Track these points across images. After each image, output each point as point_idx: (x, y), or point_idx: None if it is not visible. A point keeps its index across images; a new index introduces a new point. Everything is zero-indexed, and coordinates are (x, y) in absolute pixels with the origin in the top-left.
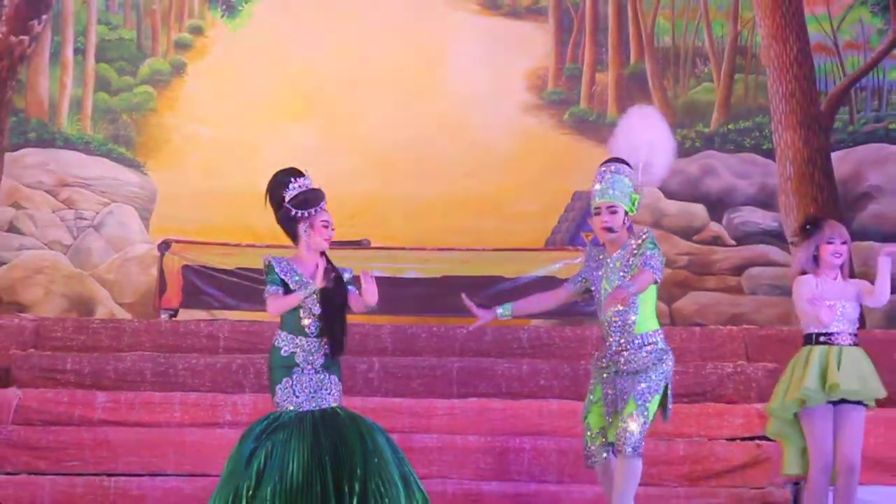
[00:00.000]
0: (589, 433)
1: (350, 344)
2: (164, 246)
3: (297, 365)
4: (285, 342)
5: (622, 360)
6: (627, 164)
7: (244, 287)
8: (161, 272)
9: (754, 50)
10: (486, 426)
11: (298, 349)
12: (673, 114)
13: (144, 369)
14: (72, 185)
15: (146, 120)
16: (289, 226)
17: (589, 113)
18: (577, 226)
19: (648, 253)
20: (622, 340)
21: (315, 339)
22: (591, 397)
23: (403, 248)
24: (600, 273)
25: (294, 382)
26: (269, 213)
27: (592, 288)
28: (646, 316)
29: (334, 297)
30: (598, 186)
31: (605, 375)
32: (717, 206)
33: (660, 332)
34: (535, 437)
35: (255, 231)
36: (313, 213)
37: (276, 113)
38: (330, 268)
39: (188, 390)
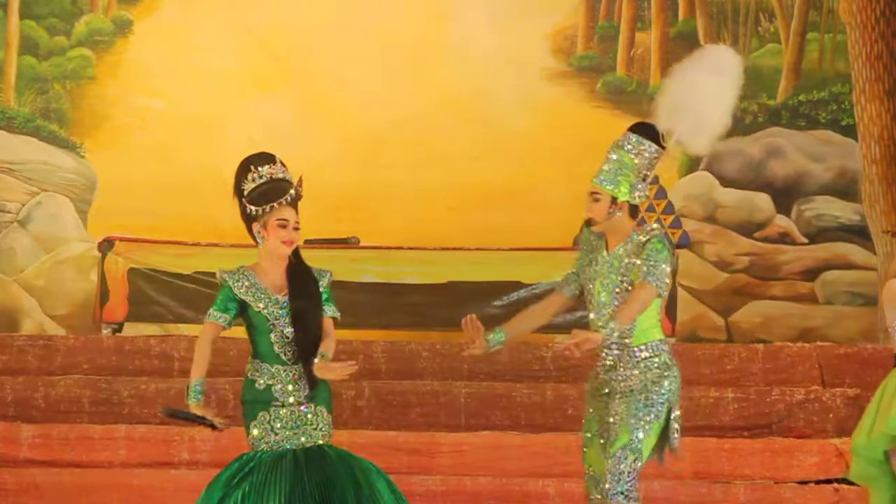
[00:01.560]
0: (587, 475)
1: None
2: (107, 245)
3: (276, 399)
4: (259, 372)
5: (618, 377)
6: (652, 132)
7: (204, 295)
8: (102, 277)
9: (832, 3)
10: (502, 465)
11: (275, 381)
12: None
13: (81, 397)
14: None
15: (83, 90)
16: (246, 224)
17: (627, 81)
18: None
19: (653, 259)
20: (618, 354)
21: (292, 367)
22: (588, 431)
23: (400, 248)
24: (595, 269)
25: (272, 417)
26: (233, 205)
27: (585, 287)
28: (647, 324)
29: (308, 314)
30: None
31: (598, 401)
32: (785, 195)
33: (664, 343)
34: (561, 480)
35: (217, 227)
36: (267, 210)
37: (242, 82)
38: (299, 275)
39: (135, 422)
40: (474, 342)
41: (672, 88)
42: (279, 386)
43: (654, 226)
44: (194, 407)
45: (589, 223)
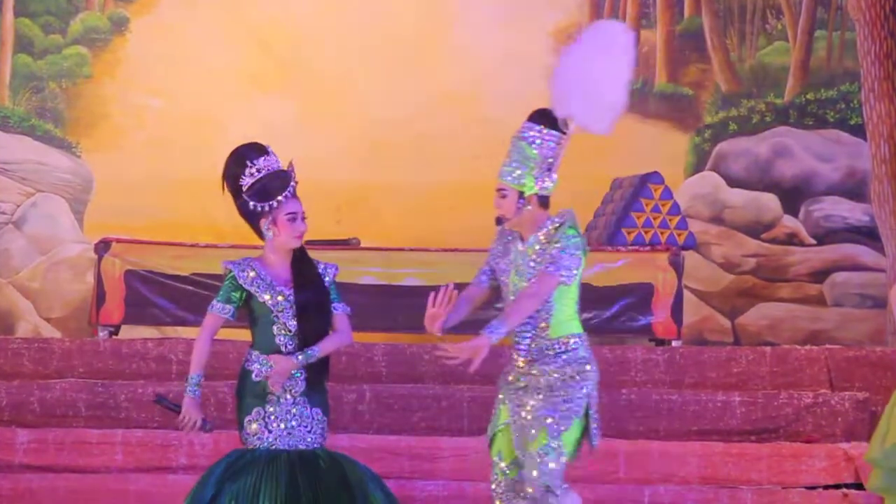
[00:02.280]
0: (498, 467)
1: (334, 368)
2: (103, 246)
3: (272, 393)
4: (258, 364)
5: (534, 371)
6: (550, 119)
7: (202, 297)
8: (98, 279)
9: (840, 0)
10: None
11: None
12: (738, 81)
13: (77, 400)
14: None
15: (79, 89)
16: (250, 220)
17: (632, 80)
18: (618, 220)
19: (560, 245)
20: (534, 347)
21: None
22: (496, 419)
23: (401, 249)
24: (509, 260)
25: (267, 414)
26: (232, 206)
27: (500, 280)
28: (564, 316)
29: (313, 307)
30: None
31: (513, 392)
32: (793, 195)
33: (581, 337)
34: None
35: (216, 228)
36: (274, 205)
37: (242, 81)
38: (305, 267)
39: (133, 427)
40: (439, 318)
41: (563, 70)
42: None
43: (566, 210)
44: (189, 401)
45: (499, 220)
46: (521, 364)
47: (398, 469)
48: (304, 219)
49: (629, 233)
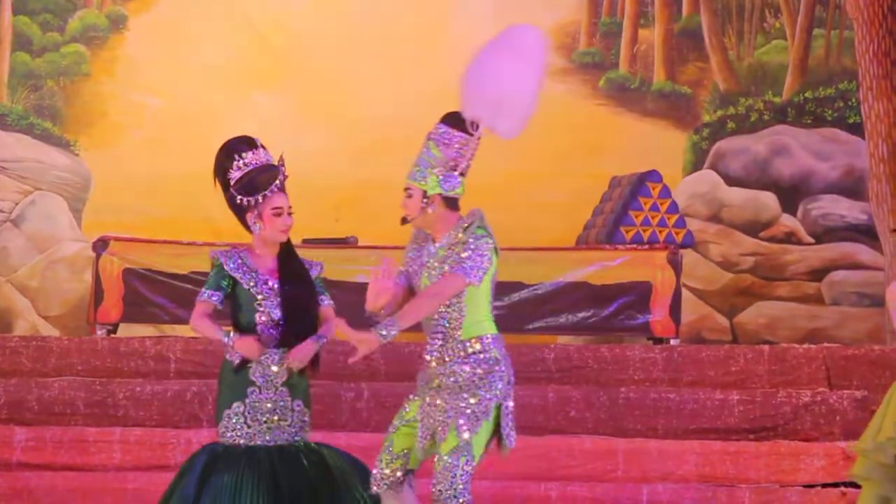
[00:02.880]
0: (387, 454)
1: (333, 366)
2: (101, 245)
3: (253, 383)
4: (239, 357)
5: (445, 371)
6: (458, 121)
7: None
8: (96, 277)
9: None
10: (503, 468)
11: (254, 362)
12: (736, 79)
13: (76, 399)
14: None
15: (77, 87)
16: (238, 214)
17: (630, 78)
18: (616, 219)
19: (468, 246)
20: (446, 348)
21: (276, 351)
22: (404, 414)
23: (399, 248)
24: (421, 262)
25: (247, 408)
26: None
27: (413, 283)
28: (477, 316)
29: (299, 298)
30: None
31: (426, 392)
32: (791, 194)
33: (495, 337)
34: (563, 483)
35: (214, 226)
36: (260, 199)
37: (239, 79)
38: (291, 261)
39: (131, 425)
40: (386, 291)
41: (473, 72)
42: (259, 370)
43: (476, 210)
44: (241, 342)
45: (404, 220)
46: (433, 365)
47: None
48: (290, 213)
49: (627, 231)
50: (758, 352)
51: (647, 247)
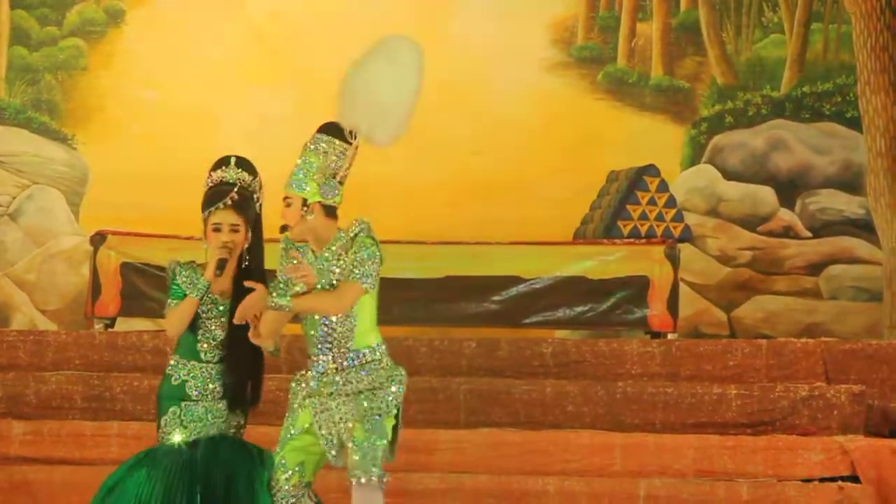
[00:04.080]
0: (284, 473)
1: None
2: (99, 239)
3: (188, 396)
4: (176, 368)
5: (339, 380)
6: (337, 130)
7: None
8: (94, 272)
9: None
10: (501, 463)
11: (190, 378)
12: (734, 73)
13: (73, 393)
14: None
15: (75, 81)
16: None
17: (628, 73)
18: (614, 213)
19: (361, 254)
20: (337, 358)
21: (213, 366)
22: (291, 430)
23: (398, 243)
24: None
25: (182, 412)
26: None
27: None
28: (368, 325)
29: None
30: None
31: (313, 401)
32: (789, 188)
33: (382, 346)
34: (561, 477)
35: None
36: (206, 215)
37: (238, 74)
38: (248, 277)
39: (128, 419)
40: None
41: (348, 81)
42: (194, 383)
43: (362, 219)
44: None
45: (283, 228)
46: (325, 373)
47: (395, 462)
48: (235, 231)
49: (625, 225)
50: (755, 346)
51: (644, 241)
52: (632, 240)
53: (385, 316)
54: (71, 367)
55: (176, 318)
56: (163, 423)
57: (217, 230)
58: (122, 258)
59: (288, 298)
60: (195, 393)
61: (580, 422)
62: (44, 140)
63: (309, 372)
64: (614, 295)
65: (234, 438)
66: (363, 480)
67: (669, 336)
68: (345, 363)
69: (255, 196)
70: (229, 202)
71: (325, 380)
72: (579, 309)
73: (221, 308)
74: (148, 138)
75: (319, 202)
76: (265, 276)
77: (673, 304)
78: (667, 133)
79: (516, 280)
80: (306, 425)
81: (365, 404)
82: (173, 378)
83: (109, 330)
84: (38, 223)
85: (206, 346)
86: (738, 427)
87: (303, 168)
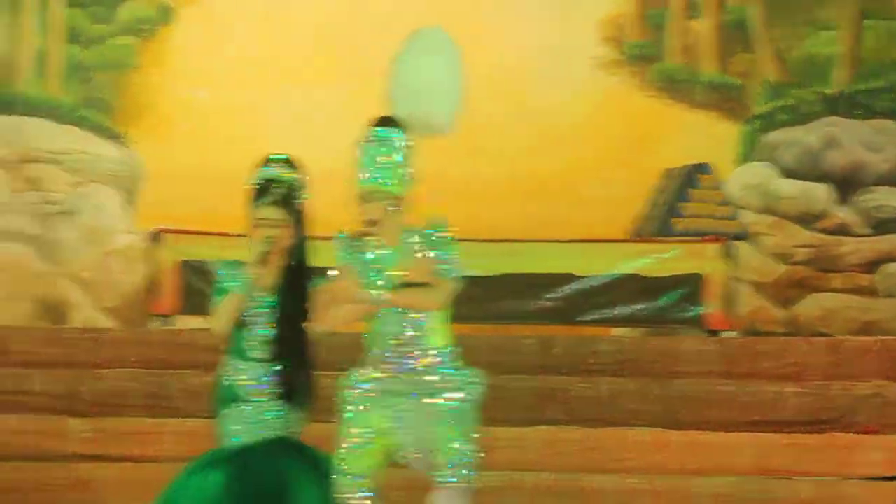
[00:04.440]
0: (354, 478)
1: None
2: (155, 237)
3: (239, 397)
4: (226, 371)
5: (418, 380)
6: (399, 124)
7: None
8: (151, 269)
9: None
10: (559, 461)
11: (241, 378)
12: (785, 71)
13: (130, 390)
14: (36, 160)
15: (127, 79)
16: None
17: (679, 70)
18: (669, 211)
19: (449, 252)
20: (418, 357)
21: (264, 364)
22: (360, 431)
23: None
24: (367, 266)
25: (235, 414)
26: None
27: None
28: (439, 328)
29: (289, 317)
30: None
31: (393, 401)
32: (845, 186)
33: (453, 347)
34: (619, 475)
35: None
36: (250, 212)
37: (288, 70)
38: (297, 275)
39: (185, 416)
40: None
41: (396, 75)
42: (245, 383)
43: (437, 216)
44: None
45: (369, 224)
46: (405, 373)
47: None
48: (276, 226)
49: (679, 223)
50: (813, 344)
51: (699, 239)
52: (686, 237)
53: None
54: (127, 364)
55: (219, 312)
56: (219, 426)
57: (260, 226)
58: (178, 256)
59: (386, 292)
60: (247, 394)
61: (637, 419)
62: (96, 138)
63: (376, 372)
64: (669, 293)
65: (293, 442)
66: (454, 483)
67: (726, 334)
68: (423, 362)
69: (298, 193)
70: (272, 199)
71: (404, 379)
72: (635, 307)
73: (267, 305)
74: (198, 135)
75: (401, 196)
76: (310, 273)
77: (729, 301)
78: (719, 130)
79: (571, 278)
80: (382, 426)
81: (448, 406)
82: (224, 380)
83: (166, 327)
84: (93, 221)
85: (254, 344)
86: (796, 425)
87: (380, 163)
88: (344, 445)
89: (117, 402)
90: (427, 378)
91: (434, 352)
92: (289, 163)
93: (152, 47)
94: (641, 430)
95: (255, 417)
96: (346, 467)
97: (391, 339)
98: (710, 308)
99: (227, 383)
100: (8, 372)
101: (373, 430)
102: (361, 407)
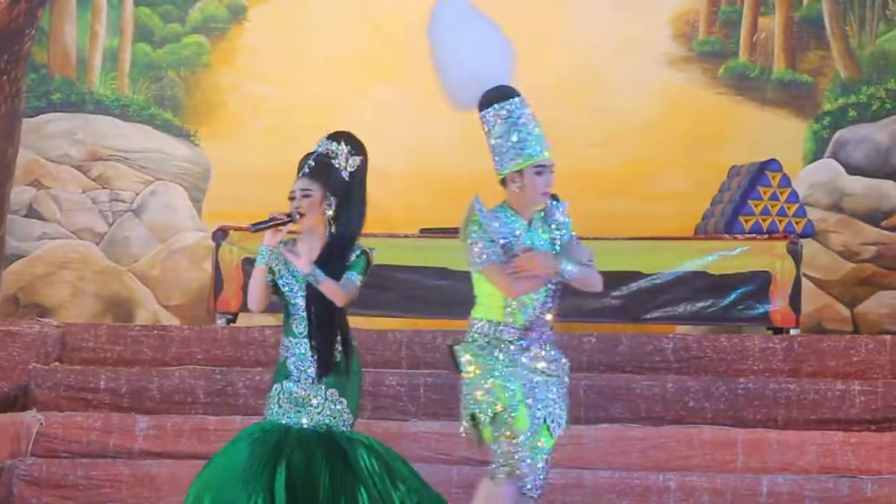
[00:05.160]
0: (524, 441)
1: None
2: (221, 234)
3: (291, 374)
4: (282, 346)
5: (548, 357)
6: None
7: None
8: (217, 267)
9: None
10: (622, 459)
11: (289, 354)
12: (857, 67)
13: (196, 387)
14: (105, 158)
15: (197, 78)
16: None
17: (750, 67)
18: (735, 208)
19: (568, 231)
20: (545, 333)
21: (304, 341)
22: (512, 396)
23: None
24: (517, 237)
25: (282, 390)
26: None
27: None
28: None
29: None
30: (534, 132)
31: (521, 373)
32: None
33: None
34: (682, 473)
35: None
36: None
37: (358, 69)
38: (334, 249)
39: (250, 413)
40: None
41: (441, 52)
42: (292, 360)
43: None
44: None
45: (553, 197)
46: (531, 349)
47: None
48: (305, 196)
49: (746, 220)
50: (880, 342)
51: (766, 236)
52: (754, 235)
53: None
54: (194, 361)
55: (250, 293)
56: (267, 399)
57: (292, 198)
58: (244, 254)
59: (574, 271)
60: (294, 371)
61: (701, 417)
62: (166, 136)
63: (511, 345)
64: (736, 290)
65: (336, 438)
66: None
67: (792, 332)
68: (549, 338)
69: (337, 163)
70: (306, 170)
71: (531, 355)
72: (700, 304)
73: (300, 279)
74: (269, 134)
75: None
76: (349, 245)
77: (795, 299)
78: (789, 128)
79: (637, 275)
80: (520, 396)
81: (558, 391)
82: (281, 355)
83: (232, 325)
84: (161, 219)
85: (296, 318)
86: (862, 423)
87: (540, 134)
88: (498, 407)
89: (183, 399)
90: (544, 358)
91: (550, 333)
92: (335, 136)
93: (223, 46)
94: (706, 428)
95: (298, 399)
96: (515, 428)
97: (540, 313)
98: (776, 306)
99: (281, 360)
100: (74, 369)
101: (519, 399)
102: (498, 372)
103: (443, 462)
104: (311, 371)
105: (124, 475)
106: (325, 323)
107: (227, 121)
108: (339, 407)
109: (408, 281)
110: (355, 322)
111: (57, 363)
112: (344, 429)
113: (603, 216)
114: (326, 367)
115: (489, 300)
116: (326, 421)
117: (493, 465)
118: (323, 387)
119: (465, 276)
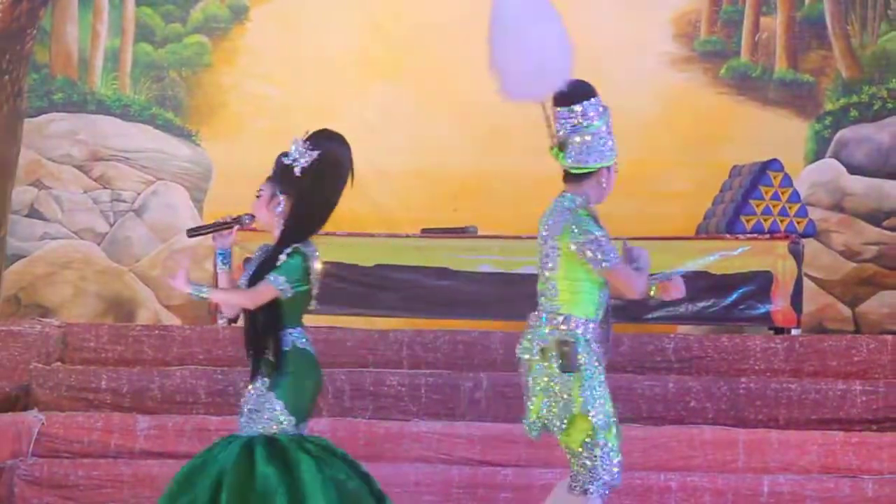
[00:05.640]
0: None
1: (451, 356)
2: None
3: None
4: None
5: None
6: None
7: (325, 286)
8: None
9: None
10: (623, 459)
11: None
12: (859, 67)
13: (197, 387)
14: (107, 158)
15: (199, 78)
16: None
17: (752, 67)
18: (737, 208)
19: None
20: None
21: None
22: (610, 409)
23: (518, 238)
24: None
25: (245, 400)
26: (351, 195)
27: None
28: None
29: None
30: (605, 127)
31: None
32: None
33: None
34: (683, 473)
35: (334, 216)
36: None
37: (359, 69)
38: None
39: None
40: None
41: (502, 48)
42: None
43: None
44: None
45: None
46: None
47: (515, 457)
48: (257, 196)
49: (748, 220)
50: (881, 342)
51: (768, 236)
52: (755, 235)
53: (506, 311)
54: (195, 361)
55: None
56: None
57: (257, 196)
58: (246, 254)
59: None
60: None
61: (702, 417)
62: (168, 136)
63: (591, 344)
64: (737, 290)
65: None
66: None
67: (793, 332)
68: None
69: (289, 160)
70: (272, 173)
71: (602, 350)
72: (701, 304)
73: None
74: (270, 134)
75: None
76: (283, 248)
77: (797, 299)
78: (790, 127)
79: None
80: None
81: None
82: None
83: (233, 325)
84: (162, 219)
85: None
86: (863, 423)
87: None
88: (602, 414)
89: (185, 399)
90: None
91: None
92: (305, 139)
93: (224, 46)
94: (707, 428)
95: (248, 399)
96: (613, 441)
97: (599, 314)
98: (778, 306)
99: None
100: (75, 369)
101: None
102: (595, 365)
103: (443, 462)
104: (255, 377)
105: (125, 475)
106: (249, 326)
107: (228, 121)
108: (275, 415)
109: (409, 281)
110: (356, 322)
111: (58, 363)
112: (275, 431)
113: (604, 216)
114: (255, 370)
115: (586, 297)
116: (260, 426)
117: (590, 477)
118: (266, 391)
119: (466, 277)
